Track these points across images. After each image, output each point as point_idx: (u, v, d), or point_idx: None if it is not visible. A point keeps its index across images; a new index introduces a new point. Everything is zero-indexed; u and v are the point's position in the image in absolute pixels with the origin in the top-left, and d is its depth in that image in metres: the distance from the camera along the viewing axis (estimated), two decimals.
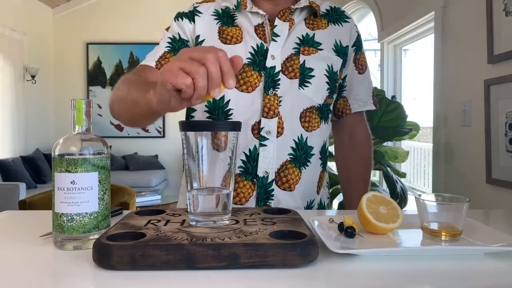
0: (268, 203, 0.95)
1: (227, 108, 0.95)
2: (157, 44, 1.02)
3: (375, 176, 4.10)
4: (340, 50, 1.03)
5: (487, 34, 1.65)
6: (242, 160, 0.95)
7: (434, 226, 0.66)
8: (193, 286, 0.50)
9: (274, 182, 0.95)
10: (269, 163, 0.95)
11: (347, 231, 0.66)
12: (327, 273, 0.54)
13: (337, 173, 1.21)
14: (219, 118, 0.96)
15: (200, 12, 1.01)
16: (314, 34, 1.00)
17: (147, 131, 6.42)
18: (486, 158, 1.67)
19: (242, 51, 0.96)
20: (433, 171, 2.19)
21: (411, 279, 0.53)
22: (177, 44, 1.00)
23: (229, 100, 0.95)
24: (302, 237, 0.58)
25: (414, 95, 5.98)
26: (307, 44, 0.99)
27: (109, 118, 6.34)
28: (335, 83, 1.04)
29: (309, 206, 1.01)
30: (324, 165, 1.05)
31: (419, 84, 6.04)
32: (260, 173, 0.95)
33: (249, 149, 0.95)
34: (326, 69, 1.00)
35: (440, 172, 2.09)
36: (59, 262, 0.58)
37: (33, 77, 5.48)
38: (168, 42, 1.00)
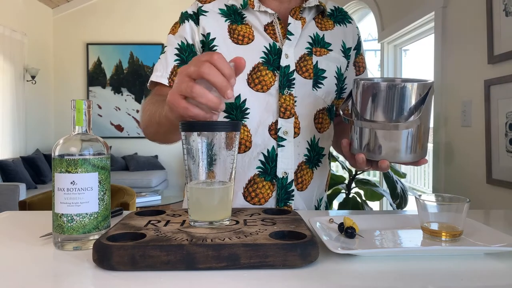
0: (288, 203, 0.95)
1: (244, 107, 0.94)
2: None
3: (376, 176, 4.10)
4: (346, 52, 1.04)
5: (487, 34, 1.65)
6: (260, 160, 0.95)
7: (434, 226, 0.66)
8: (193, 287, 0.50)
9: (293, 183, 0.96)
10: (287, 163, 0.95)
11: (347, 232, 0.66)
12: (327, 274, 0.54)
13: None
14: (236, 118, 0.95)
15: (206, 11, 0.98)
16: (324, 35, 1.01)
17: None
18: (486, 158, 1.67)
19: (256, 50, 0.95)
20: (433, 171, 2.19)
21: (411, 279, 0.53)
22: (184, 55, 0.97)
23: (246, 99, 0.94)
24: (302, 238, 0.58)
25: None
26: (319, 44, 0.99)
27: (109, 118, 6.34)
28: (342, 84, 1.05)
29: (319, 204, 1.03)
30: (330, 164, 1.08)
31: None
32: (280, 173, 0.95)
33: (267, 150, 0.95)
34: (335, 71, 1.00)
35: (440, 172, 2.09)
36: (59, 263, 0.58)
37: (33, 77, 5.49)
38: (176, 54, 0.97)
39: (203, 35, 0.97)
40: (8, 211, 0.91)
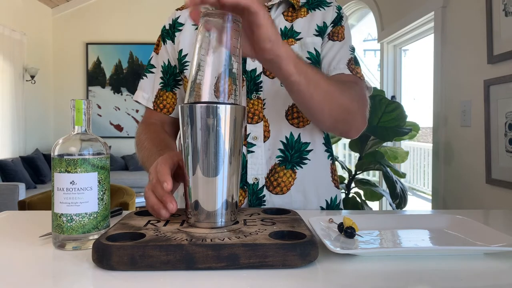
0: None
1: None
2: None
3: (375, 176, 4.09)
4: (322, 30, 0.97)
5: (487, 34, 1.65)
6: None
7: None
8: (193, 287, 0.50)
9: (265, 187, 0.93)
10: (258, 169, 0.93)
11: (347, 231, 0.66)
12: (327, 274, 0.54)
13: None
14: None
15: (181, 24, 1.00)
16: (292, 25, 0.96)
17: None
18: (486, 158, 1.67)
19: (221, 58, 0.93)
20: (433, 171, 2.19)
21: (411, 279, 0.53)
22: (166, 77, 1.02)
23: None
24: (302, 238, 0.58)
25: (414, 95, 5.98)
26: (286, 36, 0.95)
27: (108, 118, 6.34)
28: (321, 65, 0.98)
29: (333, 203, 0.98)
30: (331, 156, 1.01)
31: (419, 84, 6.04)
32: (250, 180, 0.93)
33: None
34: (308, 57, 0.95)
35: (440, 172, 2.09)
36: (59, 263, 0.58)
37: (32, 77, 5.48)
38: (161, 77, 1.03)
39: (178, 52, 1.00)
40: (7, 211, 0.91)
